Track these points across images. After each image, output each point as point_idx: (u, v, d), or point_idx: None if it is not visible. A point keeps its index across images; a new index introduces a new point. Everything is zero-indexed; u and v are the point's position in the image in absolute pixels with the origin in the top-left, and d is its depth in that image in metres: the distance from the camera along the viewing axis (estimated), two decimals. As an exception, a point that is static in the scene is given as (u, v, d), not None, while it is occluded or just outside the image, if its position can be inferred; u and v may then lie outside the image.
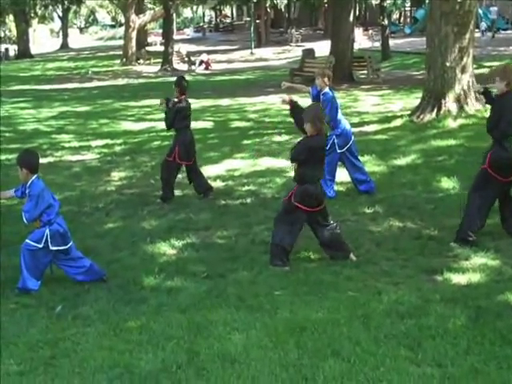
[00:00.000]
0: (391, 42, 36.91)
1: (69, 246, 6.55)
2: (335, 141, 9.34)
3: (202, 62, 38.33)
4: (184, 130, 9.65)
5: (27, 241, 6.43)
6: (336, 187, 9.94)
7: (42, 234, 6.38)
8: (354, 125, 15.79)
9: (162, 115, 14.93)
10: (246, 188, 10.10)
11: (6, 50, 59.51)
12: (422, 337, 5.08)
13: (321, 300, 5.88)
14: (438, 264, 6.66)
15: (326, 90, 9.28)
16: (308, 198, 6.73)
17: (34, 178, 6.43)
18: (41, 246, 6.37)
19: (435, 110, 14.53)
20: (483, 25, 40.77)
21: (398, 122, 14.96)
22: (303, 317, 5.52)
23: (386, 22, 35.35)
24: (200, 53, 41.40)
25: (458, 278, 6.27)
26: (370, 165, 11.12)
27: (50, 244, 6.39)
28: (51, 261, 6.56)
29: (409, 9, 58.23)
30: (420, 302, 5.73)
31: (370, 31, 48.16)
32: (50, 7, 68.58)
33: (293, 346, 5.02)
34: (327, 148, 8.82)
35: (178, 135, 9.66)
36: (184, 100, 9.64)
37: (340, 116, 9.54)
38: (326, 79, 9.31)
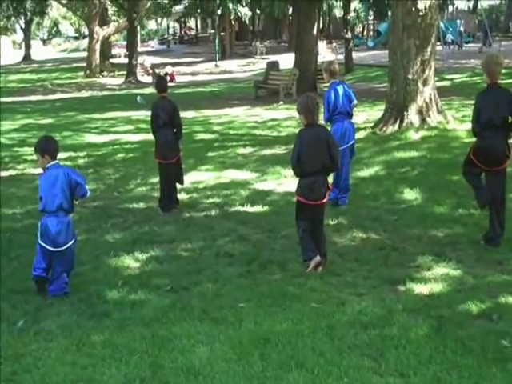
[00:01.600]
0: (354, 55, 37.34)
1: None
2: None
3: (166, 75, 38.27)
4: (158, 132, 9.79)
5: None
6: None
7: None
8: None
9: (126, 127, 14.92)
10: (211, 200, 10.10)
11: (-32, 61, 58.71)
12: (385, 347, 5.11)
13: (285, 312, 5.89)
14: (401, 274, 6.72)
15: (330, 83, 9.53)
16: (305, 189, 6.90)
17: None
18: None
19: (398, 122, 14.69)
20: (449, 37, 41.48)
21: (361, 134, 15.07)
22: (267, 329, 5.52)
23: (349, 35, 35.75)
24: (165, 65, 41.39)
25: (421, 288, 6.33)
26: (334, 176, 11.21)
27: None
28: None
29: (372, 22, 58.98)
30: (383, 313, 5.77)
31: (334, 44, 48.67)
32: (13, 18, 67.93)
33: (257, 358, 5.02)
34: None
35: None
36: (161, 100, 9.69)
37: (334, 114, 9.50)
38: (327, 74, 9.57)
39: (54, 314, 6.09)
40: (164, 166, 9.70)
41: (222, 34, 54.21)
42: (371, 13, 52.42)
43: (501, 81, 7.49)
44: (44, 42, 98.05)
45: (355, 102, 9.79)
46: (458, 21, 46.76)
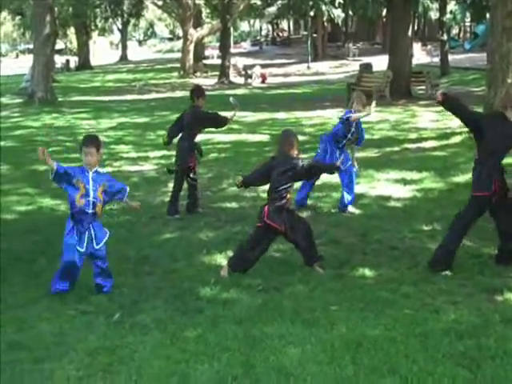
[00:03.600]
0: (450, 58, 36.49)
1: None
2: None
3: (251, 75, 38.60)
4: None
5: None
6: (393, 203, 9.88)
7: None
8: (411, 140, 15.75)
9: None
10: (302, 202, 10.09)
11: (67, 61, 60.90)
12: (481, 357, 4.98)
13: (377, 317, 5.83)
14: (498, 284, 6.53)
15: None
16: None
17: None
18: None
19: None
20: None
21: (456, 139, 14.79)
22: (359, 333, 5.48)
23: (445, 37, 34.95)
24: (255, 66, 41.64)
25: (519, 299, 6.14)
26: (428, 182, 11.02)
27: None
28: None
29: (469, 24, 57.53)
30: (479, 322, 5.63)
31: (429, 46, 47.73)
32: (110, 20, 70.00)
33: (349, 362, 4.99)
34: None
35: None
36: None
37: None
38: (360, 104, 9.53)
39: (149, 308, 6.23)
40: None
41: (315, 35, 54.09)
42: (468, 14, 51.14)
43: None
44: (140, 42, 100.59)
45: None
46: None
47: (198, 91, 9.85)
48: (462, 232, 7.08)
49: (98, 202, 6.50)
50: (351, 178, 9.54)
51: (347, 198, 9.48)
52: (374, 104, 10.01)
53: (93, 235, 6.51)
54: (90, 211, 6.47)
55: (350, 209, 9.50)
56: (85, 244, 6.46)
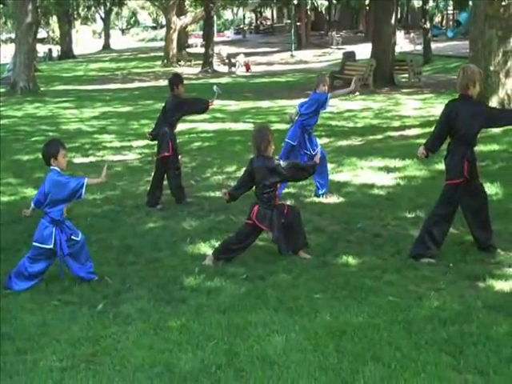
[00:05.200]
0: (433, 46, 36.59)
1: None
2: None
3: (235, 63, 38.50)
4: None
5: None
6: (376, 191, 9.91)
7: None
8: (395, 128, 15.79)
9: (202, 116, 15.08)
10: (286, 190, 10.07)
11: (50, 50, 60.51)
12: (464, 344, 5.01)
13: (361, 304, 5.85)
14: (481, 270, 6.56)
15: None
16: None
17: None
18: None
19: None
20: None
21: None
22: (343, 321, 5.50)
23: (428, 25, 35.03)
24: (238, 54, 41.53)
25: (501, 285, 6.18)
26: (412, 169, 11.06)
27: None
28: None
29: (451, 12, 57.62)
30: (462, 309, 5.66)
31: (412, 34, 47.78)
32: (93, 8, 69.58)
33: (332, 350, 5.00)
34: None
35: None
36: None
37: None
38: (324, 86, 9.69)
39: (133, 298, 6.21)
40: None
41: (298, 23, 54.01)
42: (451, 2, 51.24)
43: None
44: (123, 31, 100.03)
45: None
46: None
47: (175, 79, 9.77)
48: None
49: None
50: (324, 163, 9.53)
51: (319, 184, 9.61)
52: (354, 79, 10.12)
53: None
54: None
55: (329, 197, 9.55)
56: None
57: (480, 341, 5.04)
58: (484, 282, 6.29)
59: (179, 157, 9.90)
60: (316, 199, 9.59)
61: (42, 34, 68.43)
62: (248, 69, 38.37)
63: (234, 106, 21.20)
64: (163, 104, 9.96)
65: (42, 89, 29.59)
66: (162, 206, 9.57)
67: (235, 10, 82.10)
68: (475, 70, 6.88)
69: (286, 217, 7.13)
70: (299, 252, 7.19)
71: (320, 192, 9.63)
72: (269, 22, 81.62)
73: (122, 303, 6.10)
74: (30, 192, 10.42)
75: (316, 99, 9.55)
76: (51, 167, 6.48)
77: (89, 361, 5.02)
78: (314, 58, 44.68)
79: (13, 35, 41.23)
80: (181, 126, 17.22)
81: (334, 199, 9.57)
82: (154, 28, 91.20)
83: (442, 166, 10.97)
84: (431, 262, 6.86)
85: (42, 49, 59.83)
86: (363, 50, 32.41)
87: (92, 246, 7.67)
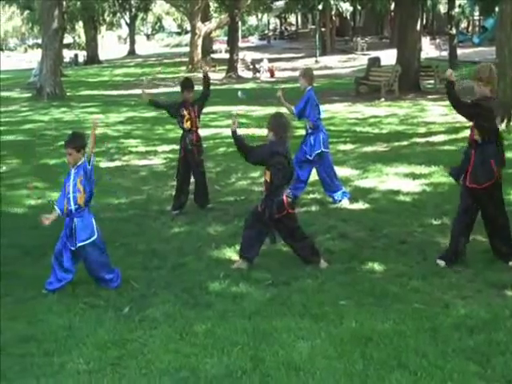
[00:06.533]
0: (459, 52, 36.29)
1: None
2: (321, 138, 9.52)
3: (259, 69, 38.56)
4: None
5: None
6: (402, 197, 9.86)
7: None
8: (420, 135, 15.69)
9: (227, 122, 15.10)
10: (311, 196, 10.08)
11: (76, 55, 60.96)
12: (492, 352, 4.97)
13: (386, 311, 5.82)
14: (508, 279, 6.50)
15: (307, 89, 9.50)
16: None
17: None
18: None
19: (505, 121, 14.23)
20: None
21: (466, 133, 14.62)
22: (369, 327, 5.48)
23: (454, 30, 34.76)
24: (263, 60, 41.56)
25: (529, 294, 6.12)
26: (438, 175, 10.99)
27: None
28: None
29: (478, 18, 57.19)
30: (489, 317, 5.61)
31: (438, 40, 47.49)
32: (118, 14, 70.01)
33: (358, 357, 4.99)
34: (315, 147, 9.39)
35: None
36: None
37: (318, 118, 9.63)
38: (305, 79, 9.52)
39: (158, 302, 6.24)
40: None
41: (323, 29, 53.88)
42: (477, 8, 50.86)
43: None
44: (148, 37, 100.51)
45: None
46: None
47: (182, 84, 10.07)
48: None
49: (77, 193, 6.52)
50: (329, 164, 9.65)
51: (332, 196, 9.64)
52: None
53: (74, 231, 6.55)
54: (72, 207, 6.53)
55: (344, 202, 9.58)
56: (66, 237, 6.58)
57: (508, 349, 5.00)
58: (511, 291, 6.22)
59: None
60: (340, 205, 9.55)
61: (68, 39, 69.04)
62: (272, 74, 38.37)
63: (258, 111, 21.21)
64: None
65: (68, 94, 29.83)
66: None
67: (260, 15, 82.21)
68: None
69: None
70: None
71: (337, 199, 9.59)
72: (293, 28, 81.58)
73: (147, 307, 6.13)
74: (57, 196, 10.49)
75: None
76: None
77: (115, 364, 5.05)
78: (339, 64, 44.54)
79: (39, 41, 41.67)
80: (205, 132, 17.31)
81: (346, 203, 9.55)
82: (179, 34, 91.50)
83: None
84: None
85: (67, 54, 60.29)
86: (388, 56, 32.26)
87: (117, 250, 7.75)
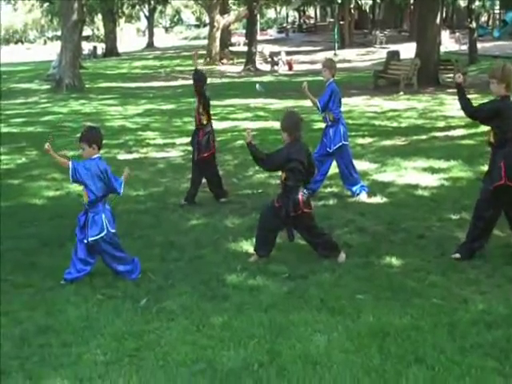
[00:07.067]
0: (479, 46, 36.05)
1: None
2: (341, 131, 9.52)
3: (278, 62, 38.51)
4: None
5: None
6: (420, 192, 9.80)
7: None
8: (439, 129, 15.60)
9: (245, 115, 15.10)
10: (329, 190, 10.06)
11: (95, 48, 61.29)
12: (510, 348, 4.93)
13: (404, 306, 5.79)
14: (527, 274, 6.45)
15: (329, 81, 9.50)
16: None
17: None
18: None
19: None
20: None
21: (485, 128, 14.56)
22: (386, 322, 5.45)
23: (473, 24, 34.49)
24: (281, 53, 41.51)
25: (549, 290, 6.06)
26: (457, 170, 10.91)
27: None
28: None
29: (498, 11, 56.72)
30: (508, 313, 5.56)
31: (457, 34, 47.17)
32: (137, 7, 70.20)
33: (375, 351, 4.97)
34: (335, 140, 9.43)
35: None
36: None
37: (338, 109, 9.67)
38: (331, 71, 9.52)
39: (176, 294, 6.25)
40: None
41: (342, 22, 53.72)
42: (497, 2, 50.42)
43: None
44: (166, 29, 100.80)
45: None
46: None
47: (193, 76, 10.20)
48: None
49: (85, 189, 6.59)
50: (348, 157, 9.65)
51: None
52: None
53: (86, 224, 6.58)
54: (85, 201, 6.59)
55: (362, 196, 9.54)
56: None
57: (527, 346, 4.96)
58: (531, 287, 6.18)
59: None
60: (357, 199, 9.51)
61: (87, 31, 69.36)
62: (291, 67, 38.32)
63: (276, 104, 21.19)
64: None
65: (86, 86, 29.96)
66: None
67: (278, 8, 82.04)
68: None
69: None
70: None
71: (356, 192, 9.57)
72: (312, 21, 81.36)
73: (164, 299, 6.14)
74: (75, 187, 10.55)
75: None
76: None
77: (132, 355, 5.07)
78: (358, 57, 44.39)
79: (59, 33, 41.87)
80: (223, 124, 17.35)
81: (364, 196, 9.53)
82: (198, 26, 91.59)
83: (486, 168, 10.85)
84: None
85: (86, 46, 60.63)
86: (407, 50, 32.06)
87: (135, 242, 7.78)
